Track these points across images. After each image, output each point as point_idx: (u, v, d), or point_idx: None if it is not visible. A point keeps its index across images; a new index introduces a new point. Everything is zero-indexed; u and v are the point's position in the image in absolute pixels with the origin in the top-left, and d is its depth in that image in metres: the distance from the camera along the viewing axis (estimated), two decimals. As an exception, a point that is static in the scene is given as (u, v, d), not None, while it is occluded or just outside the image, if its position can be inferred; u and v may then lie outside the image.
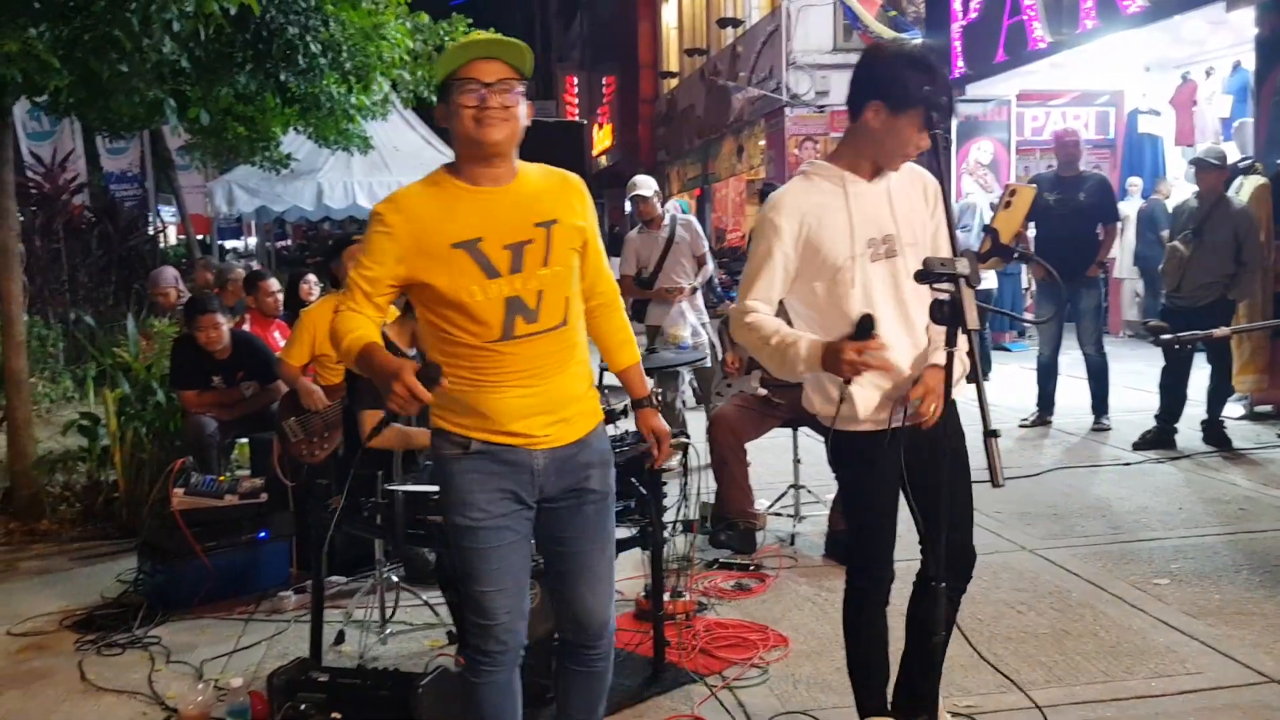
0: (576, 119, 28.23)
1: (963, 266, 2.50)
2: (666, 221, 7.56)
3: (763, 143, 19.18)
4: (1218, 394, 7.39)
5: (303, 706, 3.36)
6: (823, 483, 6.09)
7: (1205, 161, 7.34)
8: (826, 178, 2.95)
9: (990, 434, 2.44)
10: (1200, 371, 7.42)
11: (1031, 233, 8.08)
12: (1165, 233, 9.06)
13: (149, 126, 9.26)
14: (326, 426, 5.34)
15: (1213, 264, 7.09)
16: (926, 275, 2.53)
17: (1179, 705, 3.61)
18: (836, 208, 2.90)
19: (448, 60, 2.59)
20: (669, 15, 27.22)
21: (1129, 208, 12.32)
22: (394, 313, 5.30)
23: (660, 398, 3.25)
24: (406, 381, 2.39)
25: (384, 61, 7.68)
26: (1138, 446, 7.34)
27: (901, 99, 2.79)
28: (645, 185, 7.53)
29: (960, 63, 13.17)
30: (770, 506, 5.89)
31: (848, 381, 2.81)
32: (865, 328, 2.72)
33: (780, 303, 3.04)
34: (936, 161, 2.72)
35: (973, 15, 12.98)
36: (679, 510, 4.21)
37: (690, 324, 7.46)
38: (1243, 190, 7.70)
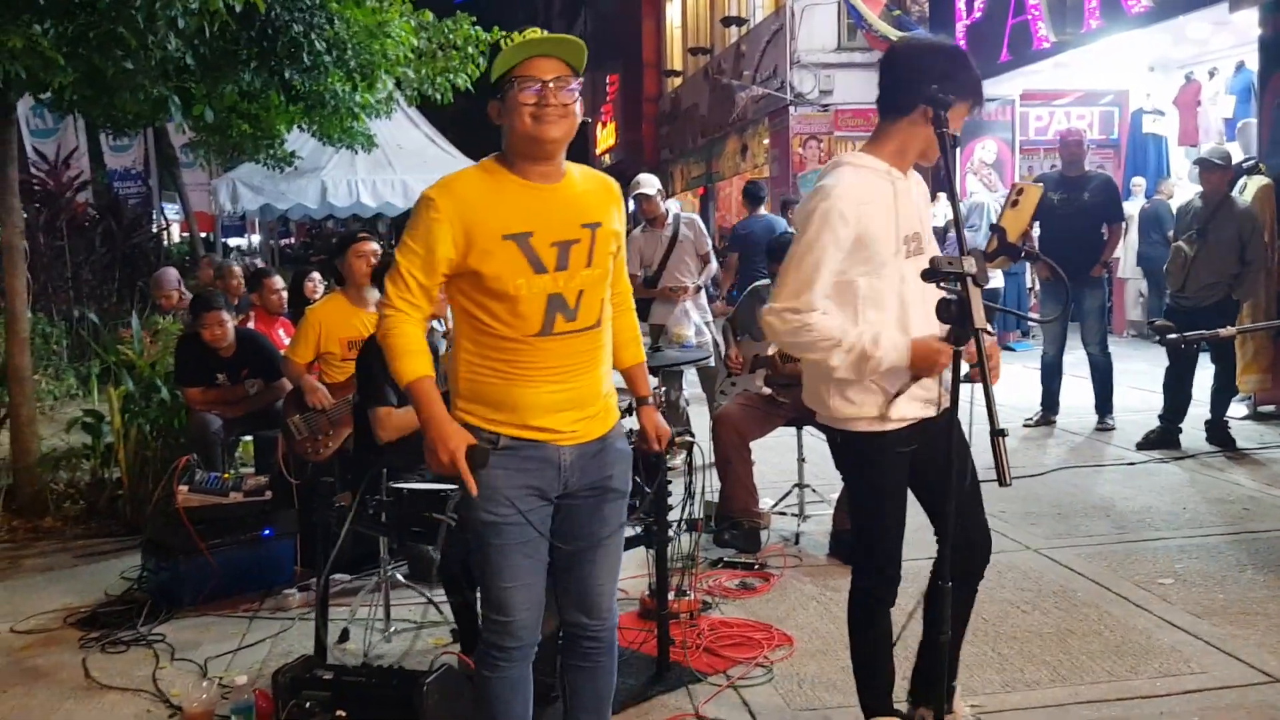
0: (581, 117, 28.20)
1: (969, 265, 2.50)
2: (670, 220, 7.55)
3: (766, 141, 19.18)
4: (1222, 394, 7.38)
5: (307, 704, 3.36)
6: (827, 482, 6.08)
7: (1209, 161, 7.33)
8: (875, 171, 2.94)
9: (998, 433, 2.43)
10: (1204, 371, 7.41)
11: (1035, 232, 8.08)
12: (1171, 233, 9.05)
13: (153, 124, 9.26)
14: (331, 424, 5.34)
15: (1217, 264, 7.09)
16: (933, 274, 2.53)
17: (1183, 705, 3.61)
18: (885, 203, 2.90)
19: (506, 58, 2.58)
20: (673, 13, 27.22)
21: (1132, 208, 12.32)
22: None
23: (664, 396, 3.26)
24: (457, 459, 2.53)
25: (388, 59, 7.67)
26: (1142, 446, 7.33)
27: (956, 92, 2.81)
28: (648, 184, 7.52)
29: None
30: (774, 505, 5.89)
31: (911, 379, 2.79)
32: (960, 335, 2.66)
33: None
34: (944, 160, 2.71)
35: (977, 15, 12.99)
36: (683, 509, 4.20)
37: (694, 323, 7.45)
38: (1247, 190, 7.70)
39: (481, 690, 2.83)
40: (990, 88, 13.55)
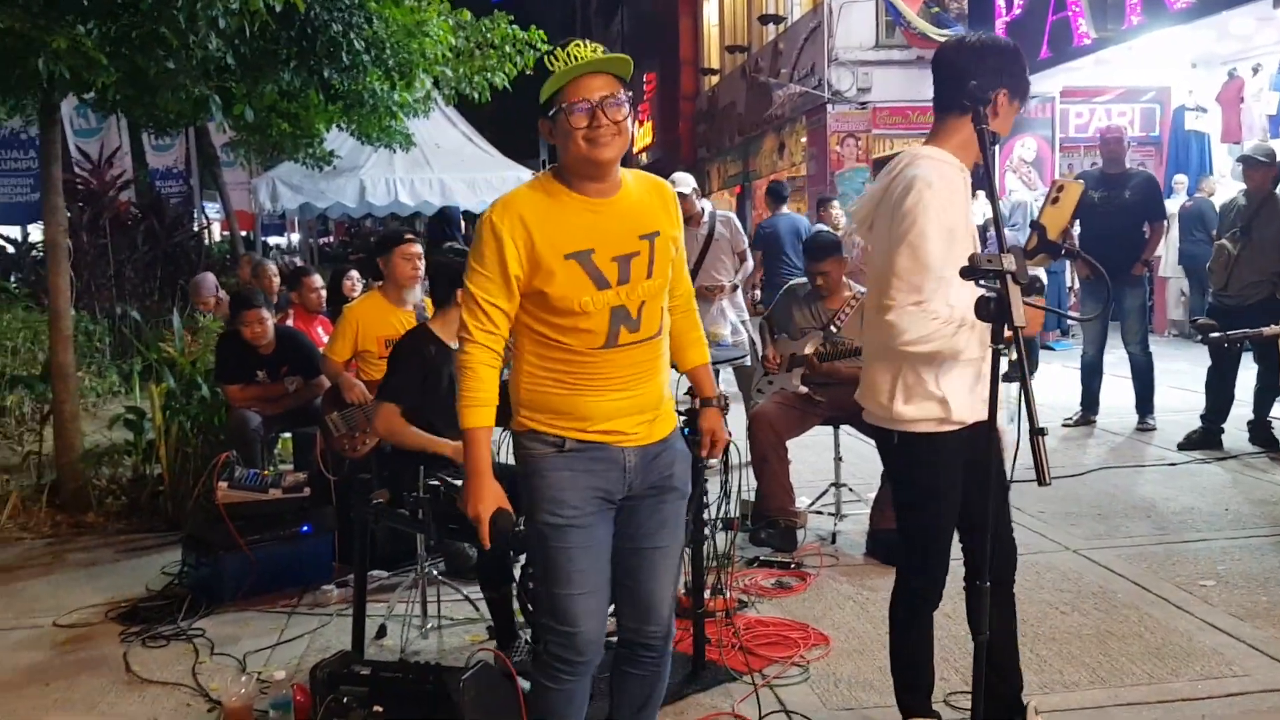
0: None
1: (1009, 263, 2.48)
2: (705, 218, 7.53)
3: (804, 140, 19.10)
4: (1265, 393, 7.28)
5: (345, 699, 3.37)
6: (864, 481, 6.06)
7: (1253, 159, 7.24)
8: (950, 165, 2.95)
9: (1037, 432, 2.41)
10: (1247, 371, 7.32)
11: (1076, 230, 8.00)
12: (1214, 231, 8.93)
13: (194, 123, 9.37)
14: (369, 421, 5.36)
15: (1261, 262, 6.99)
16: (972, 271, 2.51)
17: (1225, 708, 3.56)
18: (963, 196, 2.91)
19: (554, 81, 2.55)
20: (710, 12, 27.16)
21: (1174, 206, 12.17)
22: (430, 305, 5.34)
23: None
24: (482, 520, 2.63)
25: (426, 58, 7.72)
26: (1183, 446, 7.25)
27: (1023, 87, 2.88)
28: (684, 182, 7.49)
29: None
30: (811, 504, 5.87)
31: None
32: (1034, 288, 2.68)
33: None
34: (984, 157, 2.70)
35: (1016, 11, 12.87)
36: (719, 507, 4.20)
37: (730, 322, 7.43)
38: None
39: (539, 699, 2.81)
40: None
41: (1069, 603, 4.54)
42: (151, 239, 13.07)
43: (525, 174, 13.72)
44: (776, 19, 20.38)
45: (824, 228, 10.97)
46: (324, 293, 7.71)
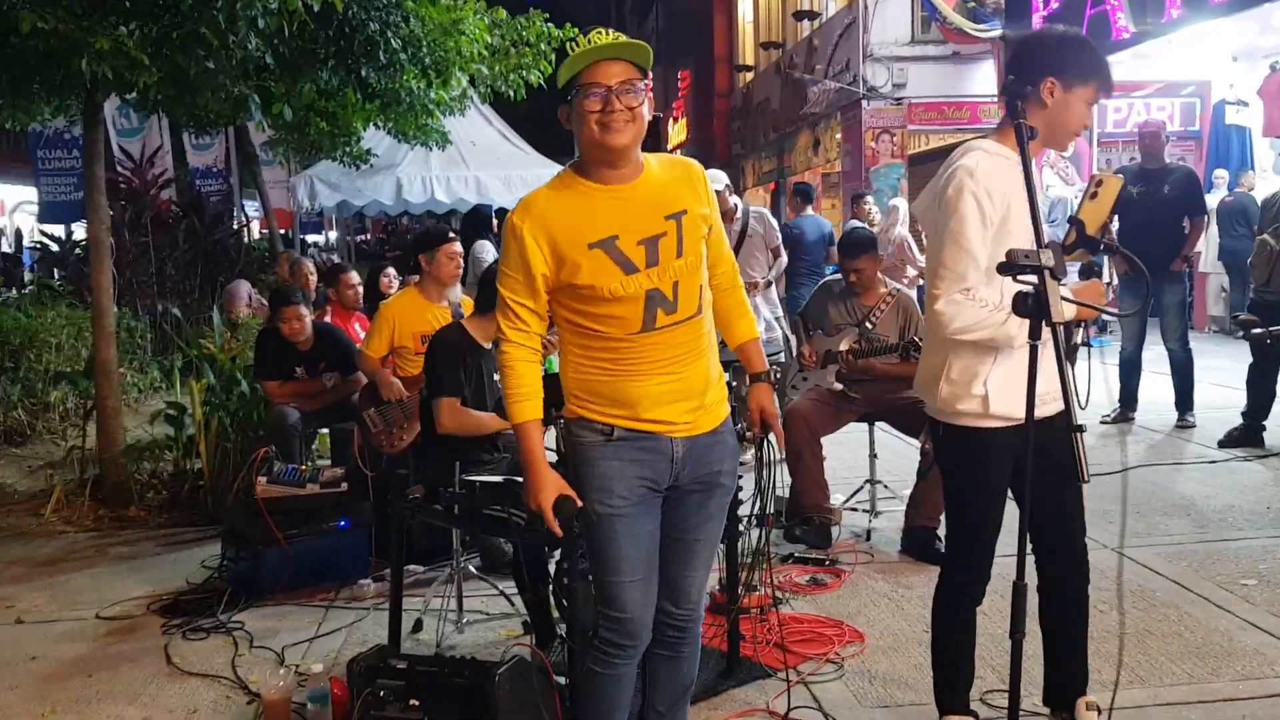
0: (650, 116, 28.29)
1: (1047, 258, 2.47)
2: (739, 215, 7.51)
3: (839, 136, 19.03)
4: (1309, 391, 7.20)
5: (381, 693, 3.40)
6: (899, 478, 6.04)
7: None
8: (1006, 159, 2.93)
9: (1075, 429, 2.40)
10: (1290, 368, 7.23)
11: (1114, 226, 7.93)
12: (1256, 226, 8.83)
13: (234, 122, 9.43)
14: (405, 417, 5.41)
15: (1304, 257, 6.91)
16: (1010, 267, 2.50)
17: (1267, 709, 3.53)
18: (1015, 188, 2.87)
19: (570, 65, 2.58)
20: (745, 9, 27.10)
21: (1214, 201, 12.03)
22: (468, 304, 5.37)
23: (735, 392, 3.23)
24: (545, 509, 2.66)
25: (462, 56, 7.74)
26: (1223, 444, 7.17)
27: (1076, 73, 2.85)
28: (716, 179, 7.48)
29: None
30: (846, 501, 5.85)
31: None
32: (1090, 271, 2.68)
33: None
34: (1022, 153, 2.68)
35: (1054, 5, 12.75)
36: (754, 504, 4.18)
37: (764, 318, 7.42)
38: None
39: (588, 685, 2.85)
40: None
41: (1107, 601, 4.50)
42: (192, 237, 13.20)
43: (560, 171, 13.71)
44: (811, 15, 20.31)
45: (858, 223, 10.96)
46: (361, 290, 7.76)
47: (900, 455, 6.71)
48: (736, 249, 7.41)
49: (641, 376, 2.68)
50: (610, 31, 2.60)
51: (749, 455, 5.48)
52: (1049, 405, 2.88)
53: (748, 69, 26.64)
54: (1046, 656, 3.33)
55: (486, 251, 10.77)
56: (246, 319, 9.55)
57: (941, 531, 5.22)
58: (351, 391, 6.21)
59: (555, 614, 4.13)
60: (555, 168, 14.87)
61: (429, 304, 5.58)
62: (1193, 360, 7.84)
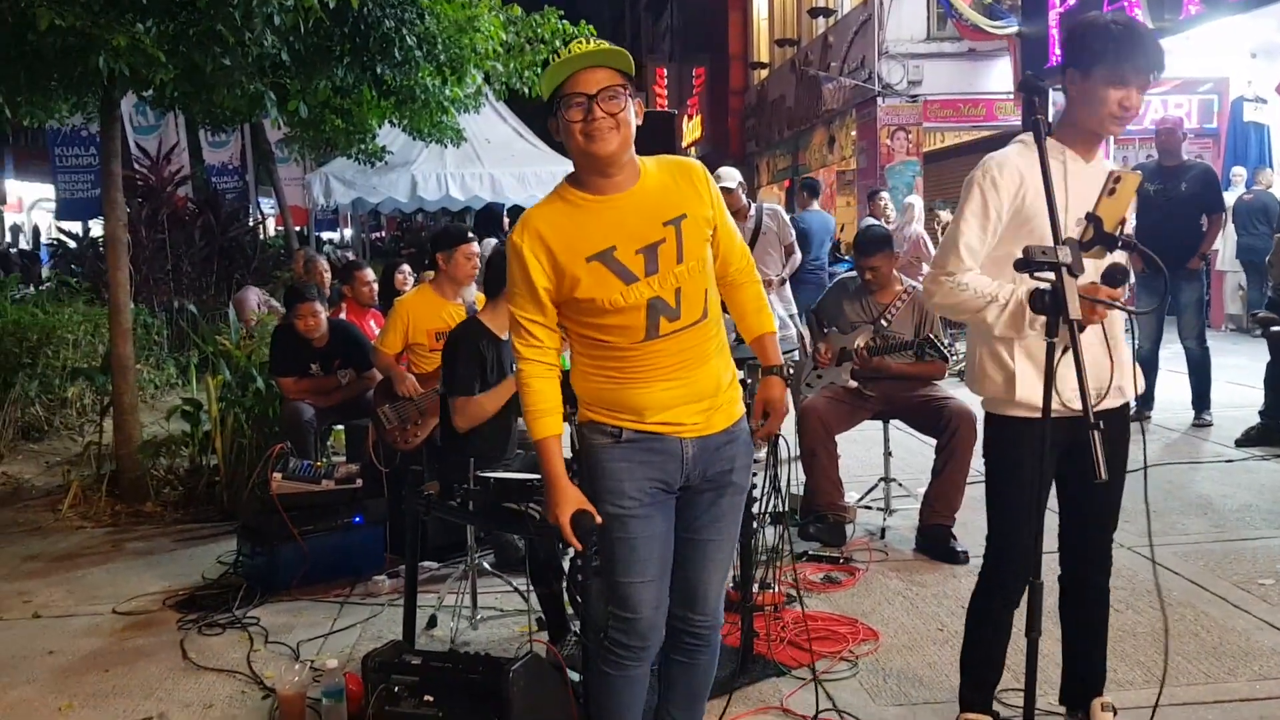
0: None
1: (1064, 255, 2.45)
2: (752, 212, 7.50)
3: (854, 133, 18.98)
4: (1327, 390, 7.15)
5: (396, 689, 3.41)
6: (913, 476, 6.03)
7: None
8: (1048, 149, 2.90)
9: (1093, 427, 2.39)
10: (1308, 367, 7.19)
11: (1132, 223, 7.88)
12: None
13: (250, 119, 9.46)
14: (420, 413, 5.42)
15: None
16: (1027, 264, 2.48)
17: (1284, 709, 3.51)
18: (1053, 182, 2.85)
19: (550, 77, 2.59)
20: (760, 6, 27.05)
21: (1232, 198, 11.97)
22: (482, 299, 5.38)
23: (750, 390, 3.21)
24: (563, 523, 2.67)
25: (477, 54, 7.75)
26: (1241, 443, 7.13)
27: (1086, 59, 2.84)
28: (729, 177, 7.48)
29: (1057, 51, 12.89)
30: (860, 499, 5.84)
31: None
32: (1114, 277, 2.65)
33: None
34: (1040, 149, 2.67)
35: (1070, 2, 12.70)
36: (768, 501, 4.18)
37: (779, 315, 7.39)
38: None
39: (600, 686, 2.85)
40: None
41: (1123, 600, 4.48)
42: (208, 234, 13.25)
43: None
44: (826, 12, 20.26)
45: (874, 221, 10.95)
46: (376, 287, 7.78)
47: (915, 453, 6.69)
48: (750, 247, 7.39)
49: (647, 383, 2.68)
50: (593, 42, 2.59)
51: (763, 453, 5.49)
52: (1076, 401, 2.86)
53: (763, 66, 26.59)
54: (1065, 655, 3.32)
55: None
56: (263, 318, 9.58)
57: (957, 530, 5.22)
58: (366, 388, 6.22)
59: (570, 610, 4.13)
60: (569, 165, 14.84)
61: (444, 302, 5.59)
62: (1210, 358, 7.80)
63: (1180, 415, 7.93)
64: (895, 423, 5.74)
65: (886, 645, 4.16)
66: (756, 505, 4.08)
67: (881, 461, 5.83)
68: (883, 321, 5.62)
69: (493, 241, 10.81)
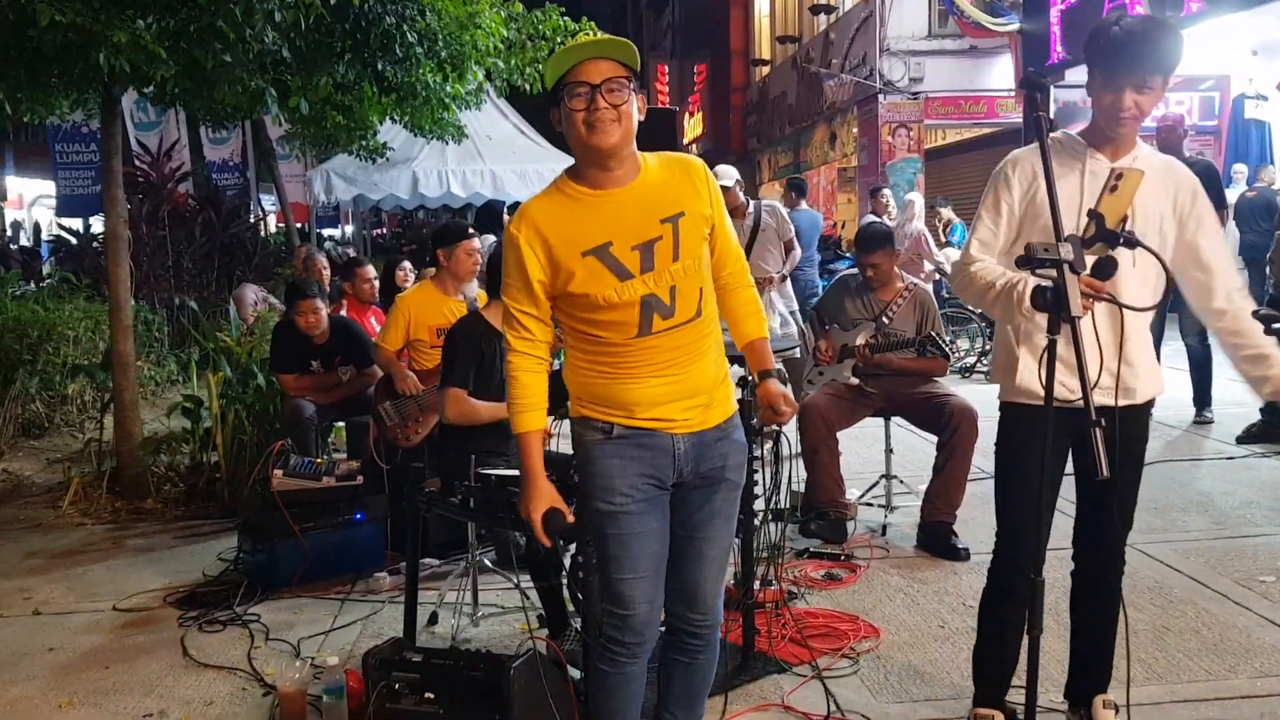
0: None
1: (1066, 252, 2.45)
2: (750, 210, 7.48)
3: (855, 130, 18.98)
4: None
5: (396, 686, 3.40)
6: (914, 473, 6.02)
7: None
8: (1070, 147, 2.97)
9: (1094, 424, 2.38)
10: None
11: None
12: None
13: (251, 116, 9.46)
14: (421, 410, 5.42)
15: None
16: (1028, 260, 2.48)
17: (1286, 706, 3.51)
18: (1071, 179, 2.91)
19: (555, 65, 2.58)
20: (761, 2, 27.05)
21: (1233, 196, 11.95)
22: (484, 297, 5.37)
23: (750, 386, 3.21)
24: (534, 520, 2.68)
25: (478, 50, 7.74)
26: (1242, 440, 7.13)
27: (1089, 61, 2.90)
28: (726, 175, 7.45)
29: (1059, 48, 12.89)
30: (861, 496, 5.84)
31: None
32: (1104, 268, 2.65)
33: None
34: (1041, 146, 2.67)
35: (1072, -1, 12.70)
36: (769, 498, 4.18)
37: (779, 313, 7.39)
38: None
39: (597, 684, 2.85)
40: (1086, 74, 13.26)
41: (1124, 597, 4.47)
42: (209, 231, 13.25)
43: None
44: (828, 9, 20.26)
45: (875, 218, 10.95)
46: (377, 284, 7.77)
47: (916, 450, 6.69)
48: (749, 245, 7.40)
49: (639, 380, 2.67)
50: (599, 33, 2.59)
51: (765, 450, 5.49)
52: (1102, 397, 2.86)
53: (764, 63, 26.60)
54: (1072, 652, 3.32)
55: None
56: (263, 314, 9.58)
57: (958, 527, 5.22)
58: (367, 385, 6.22)
59: (570, 607, 4.13)
60: (570, 162, 14.84)
61: (445, 298, 5.58)
62: (1211, 355, 7.79)
63: (1181, 412, 7.93)
64: (896, 420, 5.74)
65: (887, 642, 4.16)
66: (758, 502, 4.07)
67: (883, 458, 5.82)
68: (884, 319, 5.61)
69: (493, 238, 10.84)
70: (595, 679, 2.85)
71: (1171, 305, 7.92)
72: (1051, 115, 2.88)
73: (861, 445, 6.47)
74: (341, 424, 6.92)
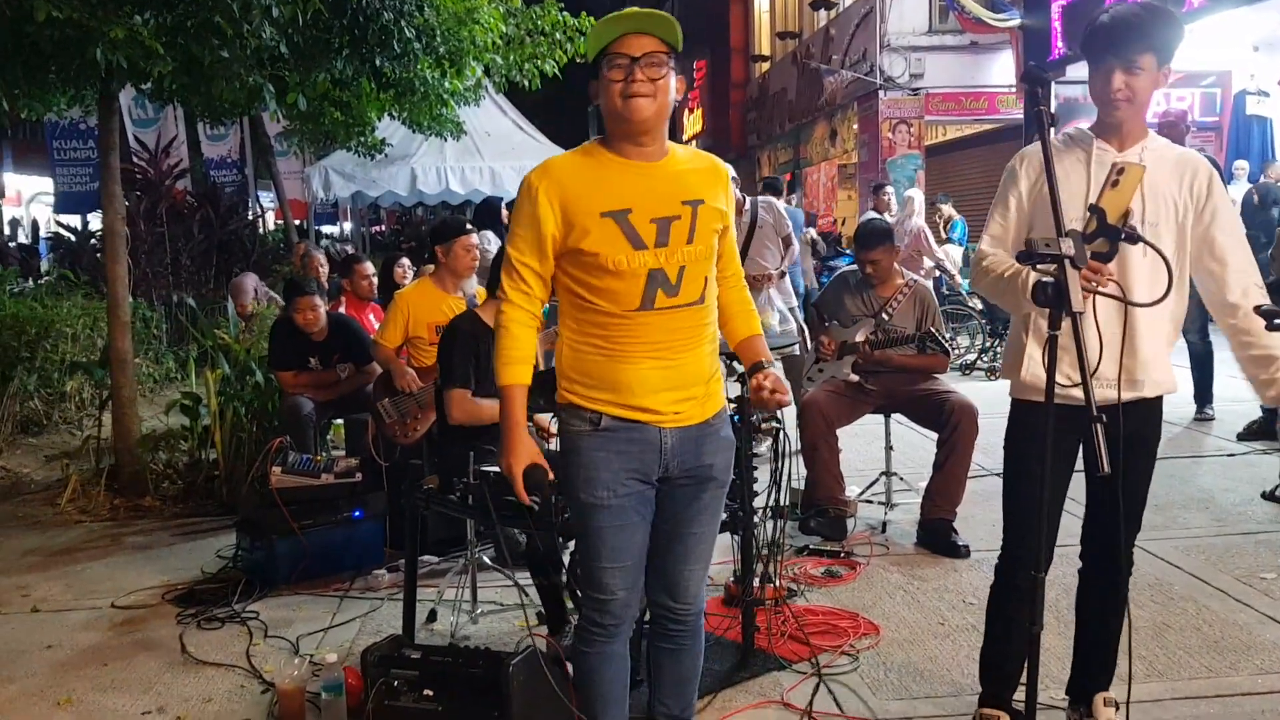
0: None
1: (1067, 246, 2.43)
2: (747, 206, 7.45)
3: (855, 126, 18.96)
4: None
5: (395, 683, 3.40)
6: (915, 470, 6.01)
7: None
8: (1078, 140, 2.98)
9: (1095, 420, 2.37)
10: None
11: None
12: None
13: (249, 112, 9.43)
14: (419, 407, 5.41)
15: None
16: (1029, 256, 2.47)
17: (1287, 704, 3.50)
18: (1078, 170, 2.92)
19: (598, 35, 2.60)
20: (761, -2, 27.04)
21: (1236, 192, 11.94)
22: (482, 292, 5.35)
23: (747, 380, 3.19)
24: (515, 473, 2.65)
25: (477, 46, 7.72)
26: (1243, 437, 7.13)
27: (1083, 52, 2.94)
28: (723, 171, 7.41)
29: (1060, 43, 12.87)
30: (861, 493, 5.83)
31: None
32: (1105, 253, 2.65)
33: None
34: (1042, 140, 2.65)
35: (1073, -6, 12.68)
36: (769, 495, 4.17)
37: (778, 309, 7.37)
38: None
39: (579, 665, 2.89)
40: (1085, 71, 13.24)
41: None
42: (207, 228, 13.24)
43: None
44: (828, 5, 20.25)
45: (875, 215, 10.92)
46: (375, 280, 7.76)
47: (916, 447, 6.68)
48: (747, 241, 7.37)
49: (633, 359, 2.66)
50: (643, 9, 2.59)
51: (764, 447, 5.47)
52: (1106, 390, 2.86)
53: (764, 59, 26.59)
54: (1076, 649, 3.31)
55: (493, 243, 10.77)
56: (259, 310, 9.56)
57: (958, 524, 5.21)
58: (366, 382, 6.21)
59: (570, 604, 4.12)
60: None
61: (444, 295, 5.57)
62: (1212, 352, 7.78)
63: (1182, 409, 7.91)
64: (896, 417, 5.73)
65: (887, 639, 4.15)
66: (758, 499, 4.06)
67: (883, 455, 5.82)
68: (884, 315, 5.60)
69: (489, 235, 10.83)
70: (578, 661, 2.89)
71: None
72: (1052, 111, 2.85)
73: (861, 442, 6.46)
74: (340, 421, 6.92)
